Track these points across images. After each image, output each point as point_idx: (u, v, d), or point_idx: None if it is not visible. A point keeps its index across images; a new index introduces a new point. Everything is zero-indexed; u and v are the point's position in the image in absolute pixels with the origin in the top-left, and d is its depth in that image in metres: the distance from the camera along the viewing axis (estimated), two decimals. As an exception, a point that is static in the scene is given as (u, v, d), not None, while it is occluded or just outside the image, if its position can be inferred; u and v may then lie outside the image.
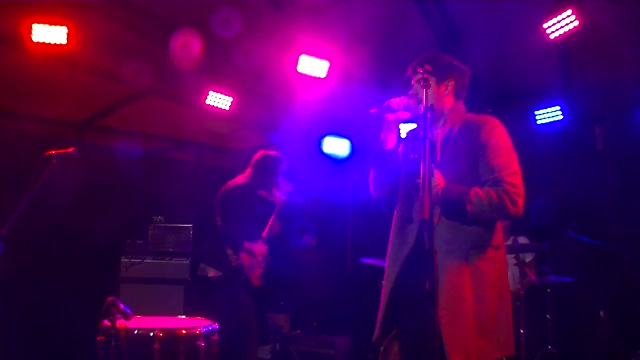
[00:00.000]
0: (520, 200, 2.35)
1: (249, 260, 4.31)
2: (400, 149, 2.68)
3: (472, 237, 2.39)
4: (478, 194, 2.32)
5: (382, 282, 2.70)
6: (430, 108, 2.23)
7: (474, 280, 2.35)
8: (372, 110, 2.54)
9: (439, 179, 2.39)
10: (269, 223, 4.49)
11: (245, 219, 4.28)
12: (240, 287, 4.32)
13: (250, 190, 4.32)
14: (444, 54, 2.70)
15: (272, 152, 4.48)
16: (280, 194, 4.57)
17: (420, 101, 2.38)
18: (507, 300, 2.44)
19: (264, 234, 4.48)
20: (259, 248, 4.42)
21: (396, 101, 2.53)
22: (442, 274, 2.33)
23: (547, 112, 5.33)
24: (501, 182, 2.33)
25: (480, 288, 2.35)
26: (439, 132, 2.56)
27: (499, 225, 2.48)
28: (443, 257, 2.32)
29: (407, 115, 2.56)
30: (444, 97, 2.58)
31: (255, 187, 4.39)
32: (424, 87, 2.27)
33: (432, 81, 2.54)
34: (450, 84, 2.58)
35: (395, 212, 2.62)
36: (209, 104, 5.23)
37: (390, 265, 2.61)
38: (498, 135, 2.44)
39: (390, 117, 2.58)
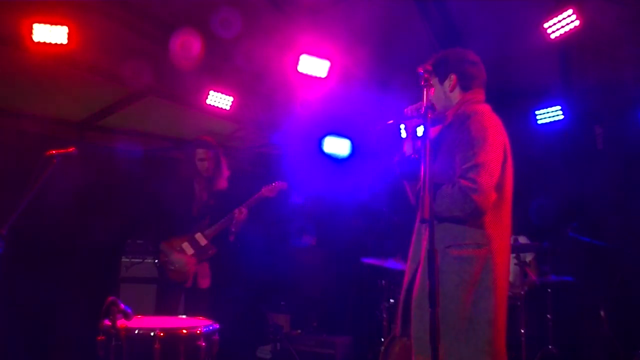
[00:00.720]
0: (478, 197, 2.27)
1: (163, 259, 4.21)
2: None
3: (449, 235, 2.36)
4: (440, 193, 2.31)
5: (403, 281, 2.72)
6: (430, 108, 2.23)
7: (445, 279, 2.28)
8: (390, 122, 2.53)
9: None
10: (232, 217, 4.23)
11: (160, 218, 4.24)
12: (171, 287, 4.23)
13: (168, 187, 4.23)
14: (446, 49, 2.68)
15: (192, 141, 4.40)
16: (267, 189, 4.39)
17: (433, 104, 2.39)
18: (491, 304, 2.32)
19: (210, 230, 4.29)
20: (168, 245, 4.22)
21: (412, 108, 2.53)
22: (421, 272, 2.37)
23: (548, 112, 5.33)
24: (459, 178, 2.30)
25: (452, 288, 2.30)
26: (437, 129, 2.56)
27: (485, 220, 2.37)
28: (425, 256, 2.29)
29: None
30: (449, 93, 2.57)
31: (184, 181, 4.31)
32: (424, 87, 2.27)
33: (435, 81, 2.55)
34: (452, 78, 2.56)
35: (417, 213, 2.60)
36: (210, 104, 5.23)
37: (409, 265, 2.59)
38: (472, 126, 2.38)
39: (409, 125, 2.57)
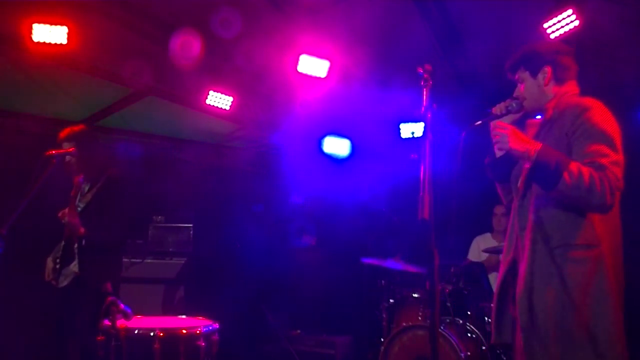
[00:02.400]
0: (618, 195, 2.21)
1: None
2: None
3: (558, 234, 2.26)
4: (580, 168, 2.16)
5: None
6: (430, 107, 2.22)
7: (558, 284, 2.21)
8: (477, 123, 2.41)
9: (529, 144, 2.26)
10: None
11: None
12: None
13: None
14: (537, 42, 2.58)
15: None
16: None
17: (524, 99, 2.43)
18: (608, 307, 2.22)
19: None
20: None
21: (499, 107, 2.46)
22: (525, 268, 2.30)
23: (547, 112, 5.32)
24: (605, 169, 2.17)
25: (566, 293, 2.20)
26: (535, 122, 2.50)
27: (593, 220, 2.26)
28: (528, 249, 2.30)
29: (515, 117, 2.49)
30: (542, 87, 2.47)
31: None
32: (423, 87, 2.26)
33: (526, 75, 2.49)
34: (547, 71, 2.46)
35: (510, 216, 2.58)
36: (210, 104, 5.23)
37: (500, 267, 2.57)
38: (594, 118, 2.28)
39: (494, 126, 2.45)
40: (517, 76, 2.54)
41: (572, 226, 2.27)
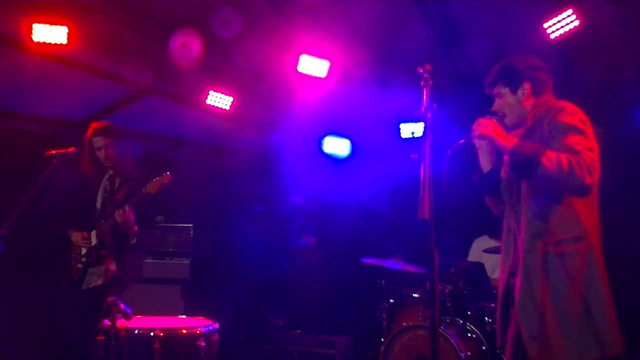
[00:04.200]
0: (596, 175, 2.29)
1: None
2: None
3: (546, 231, 2.36)
4: (557, 154, 2.26)
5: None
6: (430, 108, 2.23)
7: (552, 278, 2.31)
8: (461, 141, 2.52)
9: (509, 140, 2.39)
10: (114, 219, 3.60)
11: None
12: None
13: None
14: (514, 58, 2.66)
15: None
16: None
17: (504, 115, 2.53)
18: (601, 295, 2.32)
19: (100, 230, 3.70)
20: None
21: (486, 120, 2.54)
22: (522, 266, 2.38)
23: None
24: (579, 152, 2.27)
25: (560, 286, 2.30)
26: (519, 132, 2.57)
27: (579, 214, 2.37)
28: (524, 248, 2.38)
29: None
30: (522, 102, 2.58)
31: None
32: (423, 86, 2.27)
33: (506, 91, 2.59)
34: (526, 87, 2.57)
35: (503, 224, 2.67)
36: (210, 104, 5.23)
37: (500, 274, 2.63)
38: (565, 117, 2.40)
39: (478, 140, 2.59)
40: (495, 91, 2.63)
41: (561, 222, 2.37)
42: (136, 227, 3.53)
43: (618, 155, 5.22)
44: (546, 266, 2.32)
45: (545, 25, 4.21)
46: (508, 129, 2.56)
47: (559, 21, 4.15)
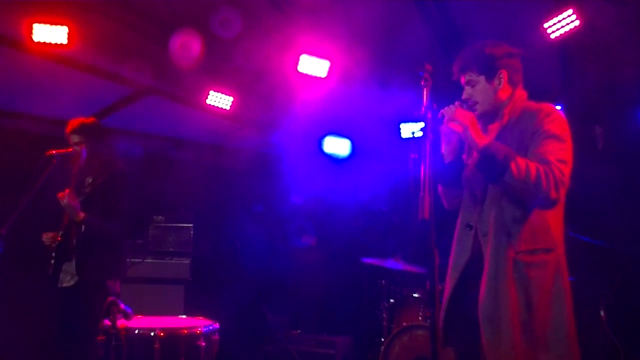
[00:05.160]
0: (562, 191, 2.23)
1: None
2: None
3: (519, 240, 2.28)
4: (527, 162, 2.20)
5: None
6: (431, 107, 2.22)
7: (520, 287, 2.24)
8: (416, 116, 2.34)
9: (483, 137, 2.28)
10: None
11: None
12: None
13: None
14: (486, 43, 2.50)
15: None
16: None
17: (476, 103, 2.39)
18: (567, 308, 2.28)
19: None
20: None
21: (450, 109, 2.40)
22: (489, 273, 2.28)
23: (548, 112, 5.32)
24: (550, 163, 2.21)
25: (528, 295, 2.23)
26: (495, 127, 2.47)
27: (550, 225, 2.32)
28: (492, 254, 2.28)
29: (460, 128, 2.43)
30: (497, 92, 2.44)
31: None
32: (424, 86, 2.25)
33: (481, 79, 2.44)
34: (502, 75, 2.44)
35: (458, 219, 2.55)
36: (210, 104, 5.23)
37: (450, 274, 2.52)
38: (551, 123, 2.31)
39: (446, 128, 2.41)
40: (466, 78, 2.48)
41: (533, 231, 2.29)
42: (83, 214, 3.38)
43: (618, 155, 5.22)
44: (515, 275, 2.24)
45: (545, 25, 4.21)
46: (478, 117, 2.44)
47: (559, 21, 4.15)
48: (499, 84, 2.44)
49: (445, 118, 2.35)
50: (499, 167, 2.19)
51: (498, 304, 2.24)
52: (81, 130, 3.64)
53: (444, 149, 2.51)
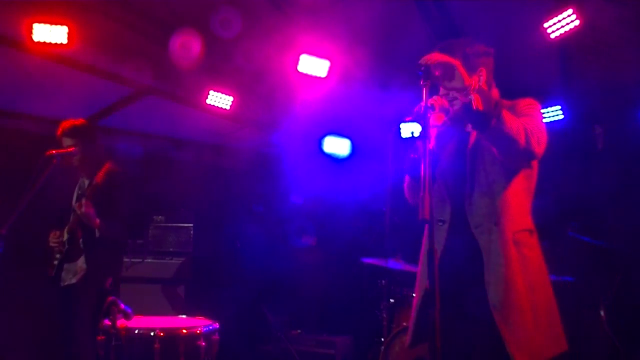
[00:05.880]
0: (543, 145, 2.26)
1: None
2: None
3: (512, 221, 2.31)
4: (512, 116, 2.22)
5: (414, 290, 2.62)
6: (431, 107, 2.21)
7: (523, 268, 2.27)
8: (408, 119, 2.35)
9: (470, 80, 2.20)
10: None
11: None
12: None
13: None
14: (465, 41, 2.48)
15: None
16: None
17: (455, 99, 2.33)
18: (551, 290, 2.35)
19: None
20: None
21: (438, 100, 2.36)
22: (490, 265, 2.27)
23: (548, 112, 5.33)
24: (530, 124, 2.24)
25: (530, 277, 2.27)
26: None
27: (529, 207, 2.39)
28: (489, 245, 2.28)
29: (442, 117, 2.42)
30: None
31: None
32: (423, 86, 2.23)
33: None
34: (482, 73, 2.40)
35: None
36: (210, 104, 5.23)
37: (422, 271, 2.52)
38: (529, 107, 2.36)
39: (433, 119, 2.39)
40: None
41: (520, 214, 2.36)
42: (98, 220, 3.45)
43: (618, 155, 5.23)
44: (518, 256, 2.27)
45: (545, 25, 4.21)
46: (453, 119, 2.41)
47: (559, 21, 4.15)
48: (479, 81, 2.39)
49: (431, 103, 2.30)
50: (490, 113, 2.14)
51: (508, 288, 2.24)
52: (73, 132, 3.69)
53: (420, 142, 2.43)
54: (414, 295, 4.58)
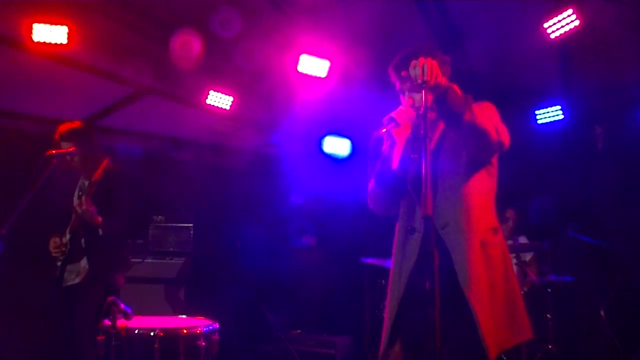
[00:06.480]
0: (505, 138, 2.33)
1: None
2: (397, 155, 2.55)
3: (480, 220, 2.35)
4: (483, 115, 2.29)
5: (385, 300, 2.60)
6: (431, 108, 2.22)
7: (488, 269, 2.31)
8: (382, 130, 2.39)
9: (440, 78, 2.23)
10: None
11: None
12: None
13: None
14: (421, 48, 2.57)
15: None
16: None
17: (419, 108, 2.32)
18: (516, 283, 2.42)
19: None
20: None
21: (399, 115, 2.42)
22: (461, 260, 2.28)
23: (548, 112, 5.33)
24: (492, 120, 2.32)
25: (493, 272, 2.32)
26: (439, 128, 2.48)
27: (493, 207, 2.44)
28: (458, 242, 2.30)
29: (406, 132, 2.47)
30: None
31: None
32: (422, 88, 2.24)
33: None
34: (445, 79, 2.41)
35: (397, 225, 2.53)
36: (210, 104, 5.23)
37: (394, 280, 2.46)
38: (486, 107, 2.40)
39: (396, 133, 2.44)
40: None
41: (486, 212, 2.40)
42: (100, 218, 3.46)
43: (618, 155, 5.23)
44: (483, 256, 2.30)
45: (545, 25, 4.21)
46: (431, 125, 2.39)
47: (559, 21, 4.15)
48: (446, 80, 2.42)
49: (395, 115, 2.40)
50: (462, 106, 2.21)
51: (479, 282, 2.27)
52: (71, 135, 3.68)
53: (389, 153, 2.51)
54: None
